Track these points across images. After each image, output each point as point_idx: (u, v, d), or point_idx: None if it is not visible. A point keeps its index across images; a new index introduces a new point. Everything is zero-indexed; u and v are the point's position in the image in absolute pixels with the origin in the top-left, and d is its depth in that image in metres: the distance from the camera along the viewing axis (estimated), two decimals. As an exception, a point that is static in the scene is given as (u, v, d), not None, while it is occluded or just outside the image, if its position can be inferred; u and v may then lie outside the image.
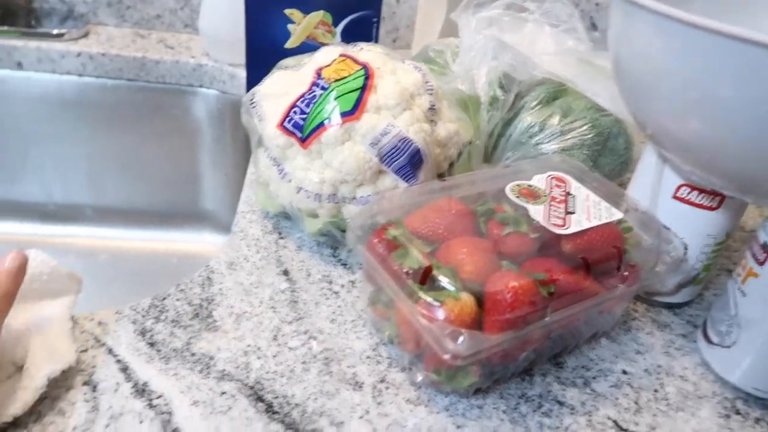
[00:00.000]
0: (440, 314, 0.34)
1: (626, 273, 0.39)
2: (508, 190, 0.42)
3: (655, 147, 0.45)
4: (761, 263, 0.39)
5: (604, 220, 0.41)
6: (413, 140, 0.45)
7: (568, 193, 0.43)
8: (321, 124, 0.45)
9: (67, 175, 0.84)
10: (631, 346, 0.45)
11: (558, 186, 0.44)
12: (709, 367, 0.44)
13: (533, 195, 0.42)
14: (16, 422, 0.33)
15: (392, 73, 0.48)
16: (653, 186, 0.46)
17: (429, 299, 0.34)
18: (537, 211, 0.40)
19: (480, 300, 0.35)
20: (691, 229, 0.45)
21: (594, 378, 0.42)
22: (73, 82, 0.80)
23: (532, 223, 0.39)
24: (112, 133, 0.82)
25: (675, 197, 0.45)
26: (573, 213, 0.41)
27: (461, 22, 0.60)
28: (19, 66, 0.78)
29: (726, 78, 0.33)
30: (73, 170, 0.83)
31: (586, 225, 0.40)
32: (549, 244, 0.39)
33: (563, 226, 0.40)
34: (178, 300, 0.43)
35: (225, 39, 0.77)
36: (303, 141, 0.46)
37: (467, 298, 0.34)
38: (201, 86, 0.81)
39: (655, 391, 0.42)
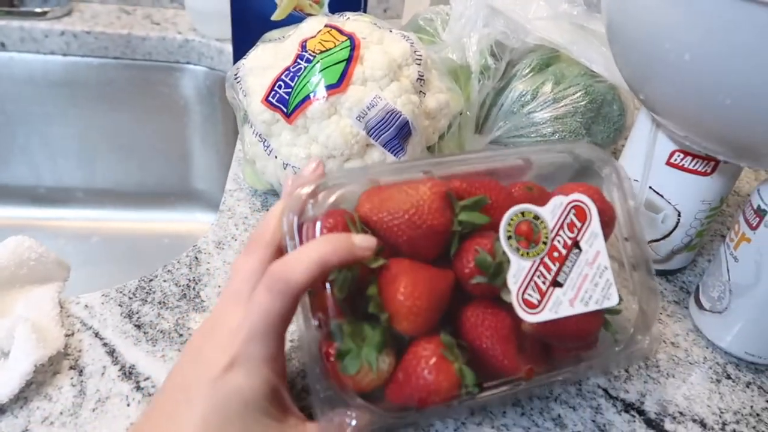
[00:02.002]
0: (346, 379, 0.29)
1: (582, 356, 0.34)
2: (504, 221, 0.31)
3: (649, 113, 0.44)
4: (754, 228, 0.39)
5: (591, 308, 0.32)
6: (401, 112, 0.44)
7: (576, 244, 0.32)
8: (306, 98, 0.44)
9: (56, 156, 0.83)
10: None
11: (571, 227, 0.32)
12: (701, 332, 0.44)
13: (530, 238, 0.31)
14: (2, 409, 0.33)
15: (379, 42, 0.47)
16: (647, 153, 0.45)
17: (338, 364, 0.29)
18: (517, 274, 0.31)
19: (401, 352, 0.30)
20: (685, 196, 0.45)
21: (586, 347, 0.42)
22: (58, 61, 0.78)
23: (506, 290, 0.31)
24: (100, 112, 0.81)
25: (668, 163, 0.44)
26: (560, 286, 0.31)
27: (450, -12, 0.59)
28: (2, 47, 0.77)
29: (722, 39, 0.32)
30: (61, 152, 0.83)
31: (564, 312, 0.31)
32: (514, 312, 0.31)
33: (535, 308, 0.31)
34: (165, 281, 0.42)
35: (211, 13, 0.76)
36: (288, 116, 0.45)
37: (384, 368, 0.29)
38: (189, 63, 0.80)
39: (646, 358, 0.42)
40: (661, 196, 0.45)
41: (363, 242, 0.29)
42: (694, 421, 0.38)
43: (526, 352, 0.32)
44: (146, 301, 0.40)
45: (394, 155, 0.45)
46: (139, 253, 0.80)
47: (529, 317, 0.31)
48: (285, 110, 0.45)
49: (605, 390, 0.39)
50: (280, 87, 0.45)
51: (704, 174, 0.43)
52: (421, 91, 0.47)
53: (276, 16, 0.64)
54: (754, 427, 0.38)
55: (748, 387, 0.41)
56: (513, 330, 0.32)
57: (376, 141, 0.45)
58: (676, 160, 0.44)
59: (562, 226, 0.32)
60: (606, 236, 0.34)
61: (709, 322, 0.43)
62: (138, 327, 0.39)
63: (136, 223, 0.84)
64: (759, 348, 0.41)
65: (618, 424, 0.37)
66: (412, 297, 0.29)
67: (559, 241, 0.32)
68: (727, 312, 0.41)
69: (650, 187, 0.46)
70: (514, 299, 0.31)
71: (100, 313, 0.39)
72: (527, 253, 0.31)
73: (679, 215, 0.45)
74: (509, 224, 0.32)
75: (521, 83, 0.55)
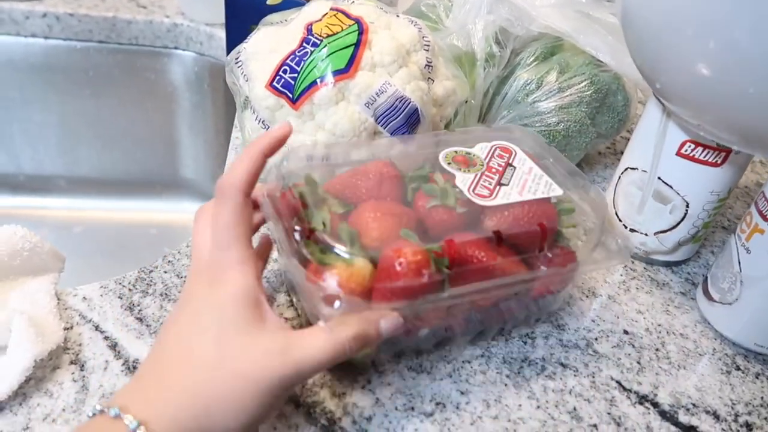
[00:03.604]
0: (328, 278, 0.31)
1: (551, 254, 0.36)
2: (442, 156, 0.39)
3: (659, 103, 0.44)
4: None
5: (539, 196, 0.37)
6: (410, 99, 0.43)
7: (509, 164, 0.39)
8: (313, 83, 0.43)
9: (37, 144, 0.79)
10: (632, 305, 0.45)
11: (500, 156, 0.39)
12: (709, 324, 0.44)
13: (467, 163, 0.38)
14: (0, 406, 0.31)
15: (387, 27, 0.45)
16: (656, 143, 0.45)
17: (314, 261, 0.31)
18: (464, 180, 0.37)
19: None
20: (695, 187, 0.45)
21: (596, 339, 0.42)
22: (40, 45, 0.75)
23: (460, 197, 0.36)
24: (83, 98, 0.78)
25: (678, 154, 0.44)
26: (505, 185, 0.37)
27: (453, -26, 0.57)
28: (-20, 28, 0.73)
29: (744, 25, 0.31)
30: (43, 139, 0.79)
31: (515, 199, 0.36)
32: (476, 219, 0.36)
33: (488, 197, 0.36)
34: (166, 272, 0.40)
35: (201, -4, 0.73)
36: (294, 102, 0.43)
37: (362, 265, 0.32)
38: (177, 48, 0.77)
39: (657, 350, 0.41)
40: (670, 186, 0.45)
41: (280, 128, 0.33)
42: (707, 412, 0.38)
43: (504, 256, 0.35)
44: (147, 293, 0.39)
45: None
46: (125, 243, 0.77)
47: (483, 201, 0.36)
48: (291, 96, 0.43)
49: (618, 382, 0.39)
50: (285, 72, 0.43)
51: (714, 165, 0.43)
52: (429, 78, 0.46)
53: (272, 0, 0.62)
54: (766, 419, 0.38)
55: (757, 378, 0.41)
56: (485, 239, 0.35)
57: (385, 128, 0.44)
58: (686, 150, 0.43)
59: (492, 156, 0.39)
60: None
61: (718, 314, 0.43)
62: (140, 320, 0.37)
63: (122, 212, 0.82)
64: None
65: (633, 417, 0.37)
66: (375, 218, 0.34)
67: (493, 163, 0.39)
68: (737, 303, 0.41)
69: (659, 178, 0.45)
70: (466, 192, 0.36)
71: (99, 305, 0.37)
72: (468, 170, 0.38)
73: (687, 206, 0.45)
74: (446, 157, 0.39)
75: (526, 72, 0.54)
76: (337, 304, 0.30)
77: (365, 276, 0.32)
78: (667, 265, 0.49)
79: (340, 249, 0.32)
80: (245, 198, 0.32)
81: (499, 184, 0.37)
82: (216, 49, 0.75)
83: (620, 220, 0.49)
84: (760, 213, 0.40)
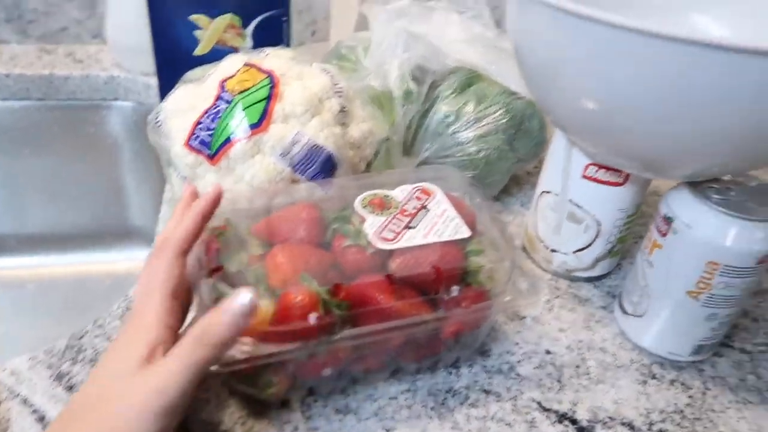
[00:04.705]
0: None
1: (456, 295, 0.37)
2: (359, 199, 0.40)
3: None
4: (664, 234, 0.41)
5: (444, 239, 0.38)
6: (324, 146, 0.45)
7: (424, 207, 0.40)
8: (228, 140, 0.44)
9: (-18, 205, 0.80)
10: (554, 324, 0.47)
11: (418, 198, 0.41)
12: (626, 336, 0.46)
13: (383, 206, 0.40)
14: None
15: (299, 78, 0.47)
16: (564, 167, 0.47)
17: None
18: (373, 223, 0.38)
19: None
20: (603, 205, 0.47)
21: (519, 362, 0.43)
22: (-22, 106, 0.75)
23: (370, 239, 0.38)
24: (27, 156, 0.78)
25: (584, 176, 0.46)
26: (413, 228, 0.38)
27: (370, 15, 0.60)
28: None
29: (617, 66, 0.33)
30: (-13, 200, 0.80)
31: (418, 242, 0.37)
32: (386, 260, 0.37)
33: (391, 240, 0.37)
34: (96, 337, 0.41)
35: (135, 47, 0.74)
36: (211, 158, 0.45)
37: (265, 306, 0.33)
38: (116, 99, 0.78)
39: (577, 366, 0.43)
40: (581, 207, 0.47)
41: (214, 191, 0.37)
42: (623, 424, 0.40)
43: (406, 298, 0.37)
44: (76, 360, 0.40)
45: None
46: (80, 297, 0.77)
47: (385, 245, 0.37)
48: (208, 152, 0.45)
49: (539, 403, 0.41)
50: (201, 130, 0.45)
51: (618, 184, 0.45)
52: (343, 123, 0.48)
53: (199, 51, 0.63)
54: (678, 424, 0.40)
55: (672, 384, 0.43)
56: (389, 281, 0.36)
57: (302, 176, 0.45)
58: (590, 173, 0.46)
59: (411, 199, 0.41)
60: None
61: (632, 325, 0.45)
62: (69, 389, 0.38)
63: (74, 266, 0.82)
64: (679, 346, 0.43)
65: (552, 436, 0.38)
66: (282, 260, 0.36)
67: (408, 206, 0.40)
68: (647, 315, 0.44)
69: (570, 200, 0.48)
70: (371, 236, 0.37)
71: (28, 378, 0.38)
72: (381, 213, 0.39)
73: (599, 224, 0.48)
74: (363, 200, 0.40)
75: (444, 105, 0.56)
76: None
77: (266, 317, 0.34)
78: (589, 280, 0.51)
79: (244, 289, 0.32)
80: (181, 255, 0.34)
81: (408, 227, 0.39)
82: (154, 97, 0.76)
83: (542, 242, 0.51)
84: (658, 229, 0.42)
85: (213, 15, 0.62)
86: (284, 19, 0.64)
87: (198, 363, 0.30)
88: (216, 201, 0.37)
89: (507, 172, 0.58)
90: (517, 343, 0.45)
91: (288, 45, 0.66)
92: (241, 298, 0.31)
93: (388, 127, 0.54)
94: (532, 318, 0.47)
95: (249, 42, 0.64)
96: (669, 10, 0.46)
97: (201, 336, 0.30)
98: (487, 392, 0.41)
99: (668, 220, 0.41)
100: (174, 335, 0.32)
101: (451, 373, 0.42)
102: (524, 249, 0.54)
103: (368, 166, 0.52)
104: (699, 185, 0.40)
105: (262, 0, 0.62)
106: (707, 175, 0.40)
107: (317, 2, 0.86)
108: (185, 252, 0.35)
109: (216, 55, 0.61)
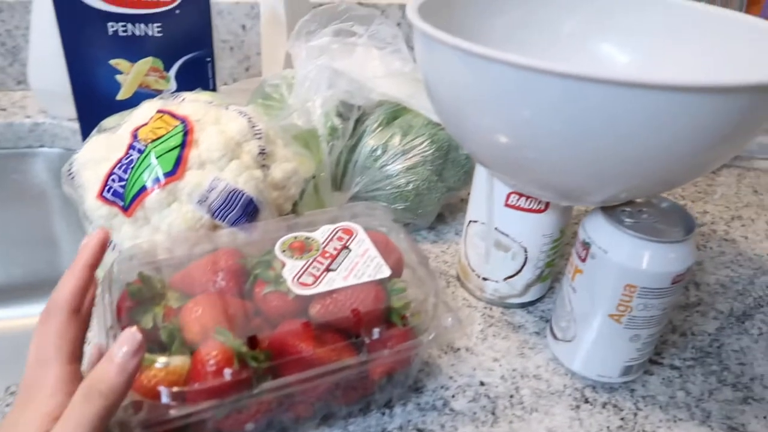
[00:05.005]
0: (145, 377, 0.32)
1: (379, 336, 0.36)
2: (279, 243, 0.40)
3: (480, 161, 0.47)
4: (583, 260, 0.42)
5: (364, 280, 0.37)
6: (244, 190, 0.44)
7: (345, 247, 0.40)
8: (142, 189, 0.43)
9: None
10: (489, 354, 0.47)
11: (340, 239, 0.40)
12: (559, 360, 0.46)
13: (303, 249, 0.39)
14: None
15: (215, 122, 0.46)
16: (487, 196, 0.48)
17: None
18: (292, 268, 0.38)
19: None
20: (527, 232, 0.47)
21: (453, 396, 0.43)
22: None
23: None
24: (-51, 209, 0.75)
25: (507, 205, 0.47)
26: (333, 271, 0.38)
27: (294, 52, 0.60)
28: None
29: (516, 103, 0.34)
30: None
31: (338, 285, 0.37)
32: (308, 305, 0.37)
33: (311, 285, 0.36)
34: (7, 405, 0.39)
35: (60, 93, 0.72)
36: (126, 209, 0.43)
37: (180, 362, 0.32)
38: (42, 146, 0.76)
39: (511, 396, 0.43)
40: (507, 235, 0.48)
41: (96, 236, 0.35)
42: (557, 453, 0.40)
43: (327, 343, 0.36)
44: (-19, 434, 0.37)
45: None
46: (16, 351, 0.73)
47: (304, 291, 0.36)
48: (122, 204, 0.43)
49: (472, 438, 0.40)
50: (114, 181, 0.44)
51: (540, 211, 0.46)
52: (264, 165, 0.47)
53: (121, 96, 0.62)
54: (610, 448, 0.40)
55: (604, 407, 0.43)
56: (309, 328, 0.36)
57: (223, 222, 0.44)
58: (512, 201, 0.46)
59: (331, 239, 0.41)
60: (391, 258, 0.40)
61: (563, 350, 0.46)
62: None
63: (8, 320, 0.78)
64: (608, 369, 0.44)
65: (485, 472, 0.38)
66: (197, 314, 0.35)
67: (329, 247, 0.40)
68: (575, 339, 0.44)
69: (496, 228, 0.48)
70: (289, 283, 0.37)
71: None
72: (300, 257, 0.39)
73: (525, 251, 0.48)
74: (283, 243, 0.40)
75: (371, 138, 0.56)
76: (141, 412, 0.31)
77: (182, 374, 0.32)
78: (523, 306, 0.52)
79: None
80: (72, 314, 0.32)
81: (328, 269, 0.38)
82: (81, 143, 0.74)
83: (473, 270, 0.51)
84: (578, 254, 0.43)
85: (133, 59, 0.61)
86: (208, 59, 0.63)
87: (91, 419, 0.27)
88: (102, 246, 0.35)
89: (438, 201, 0.58)
90: (451, 377, 0.45)
91: (214, 85, 0.65)
92: (125, 337, 0.29)
93: (315, 165, 0.53)
94: (467, 349, 0.47)
95: (173, 85, 0.63)
96: (576, 39, 0.48)
97: (89, 389, 0.28)
98: (420, 431, 0.40)
99: (586, 246, 0.41)
100: None
101: (384, 413, 0.41)
102: (458, 278, 0.54)
103: (295, 205, 0.51)
104: (612, 209, 0.41)
105: (183, 42, 0.61)
106: (620, 200, 0.41)
107: (249, 38, 0.86)
108: (76, 310, 0.32)
109: (140, 99, 0.59)
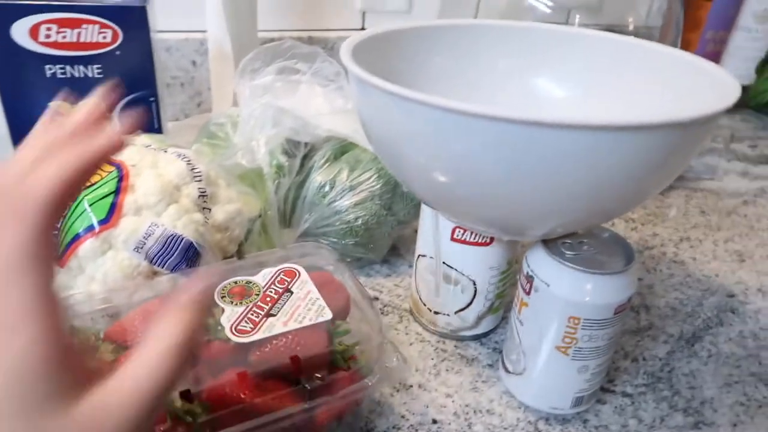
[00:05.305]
0: None
1: (324, 381, 0.35)
2: (218, 290, 0.38)
3: (424, 196, 0.47)
4: (528, 293, 0.42)
5: (306, 324, 0.37)
6: (183, 235, 0.43)
7: (287, 290, 0.39)
8: (75, 238, 0.41)
9: None
10: (441, 390, 0.46)
11: (281, 282, 0.40)
12: (512, 393, 0.46)
13: (243, 294, 0.38)
14: None
15: (152, 166, 0.45)
16: (433, 231, 0.47)
17: None
18: (230, 315, 0.37)
19: None
20: (474, 265, 0.47)
21: (404, 438, 0.42)
22: None
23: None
24: None
25: (453, 239, 0.46)
26: (273, 316, 0.37)
27: (238, 90, 0.59)
28: None
29: (442, 145, 0.34)
30: None
31: (278, 331, 0.36)
32: (248, 351, 0.36)
33: (249, 332, 0.36)
34: None
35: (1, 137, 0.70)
36: (59, 259, 0.42)
37: None
38: (-18, 190, 0.73)
39: (464, 435, 0.43)
40: (455, 269, 0.48)
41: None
42: (509, 492, 0.39)
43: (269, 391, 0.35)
44: None
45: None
46: None
47: (242, 338, 0.35)
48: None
49: (424, 482, 0.39)
50: (45, 230, 0.42)
51: (485, 244, 0.46)
52: (205, 207, 0.46)
53: (62, 138, 0.61)
54: (563, 484, 0.40)
55: (557, 441, 0.43)
56: (246, 376, 0.35)
57: (162, 268, 0.43)
58: (458, 235, 0.46)
59: (273, 282, 0.40)
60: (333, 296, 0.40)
61: (515, 383, 0.45)
62: None
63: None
64: (559, 401, 0.43)
65: None
66: None
67: (270, 291, 0.39)
68: (526, 372, 0.44)
69: (444, 263, 0.48)
70: (227, 331, 0.35)
71: None
72: (240, 303, 0.38)
73: (474, 284, 0.48)
74: (223, 289, 0.39)
75: (319, 174, 0.56)
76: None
77: None
78: (476, 338, 0.51)
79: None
80: (54, 218, 0.24)
81: (268, 315, 0.37)
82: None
83: (425, 304, 0.51)
84: (522, 287, 0.42)
85: (73, 101, 0.59)
86: (152, 99, 0.62)
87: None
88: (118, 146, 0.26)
89: (389, 235, 0.57)
90: (403, 416, 0.44)
91: (160, 124, 0.64)
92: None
93: (261, 204, 0.52)
94: (419, 385, 0.46)
95: (116, 126, 0.62)
96: (513, 76, 0.48)
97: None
98: (369, 478, 0.39)
99: (530, 279, 0.41)
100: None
101: (332, 461, 0.40)
102: (411, 312, 0.54)
103: (241, 245, 0.50)
104: (553, 242, 0.41)
105: (125, 83, 0.60)
106: (560, 233, 0.41)
107: (200, 74, 0.86)
108: (63, 207, 0.23)
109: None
